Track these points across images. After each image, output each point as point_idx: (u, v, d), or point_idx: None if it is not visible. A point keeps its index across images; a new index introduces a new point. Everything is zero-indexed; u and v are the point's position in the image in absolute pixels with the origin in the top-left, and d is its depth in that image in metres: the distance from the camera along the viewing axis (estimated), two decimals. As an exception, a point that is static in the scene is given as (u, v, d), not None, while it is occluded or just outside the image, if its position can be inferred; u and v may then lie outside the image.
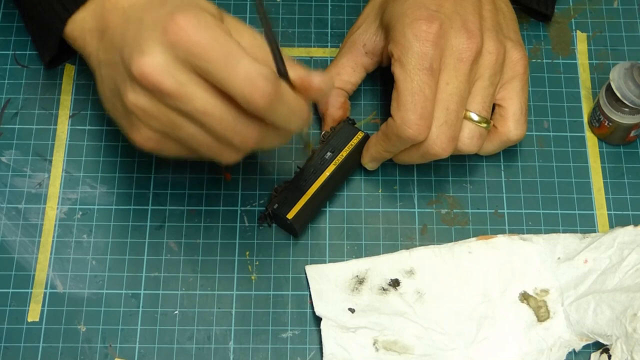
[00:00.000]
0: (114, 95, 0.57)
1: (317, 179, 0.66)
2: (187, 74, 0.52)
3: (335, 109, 0.69)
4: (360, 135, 0.68)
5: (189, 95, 0.52)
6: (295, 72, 0.54)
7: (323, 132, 0.69)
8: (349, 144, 0.68)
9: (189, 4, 0.53)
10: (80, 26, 0.62)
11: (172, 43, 0.51)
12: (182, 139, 0.55)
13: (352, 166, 0.69)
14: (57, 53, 0.68)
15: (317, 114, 0.71)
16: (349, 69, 0.69)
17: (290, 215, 0.65)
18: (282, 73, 0.54)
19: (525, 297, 0.65)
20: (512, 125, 0.66)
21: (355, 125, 0.69)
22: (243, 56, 0.51)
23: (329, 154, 0.67)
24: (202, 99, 0.52)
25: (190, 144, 0.55)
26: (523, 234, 0.67)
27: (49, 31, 0.65)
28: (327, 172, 0.67)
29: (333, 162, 0.67)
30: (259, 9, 0.51)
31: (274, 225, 0.68)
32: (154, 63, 0.52)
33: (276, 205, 0.66)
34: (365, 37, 0.68)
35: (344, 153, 0.67)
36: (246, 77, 0.51)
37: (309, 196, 0.66)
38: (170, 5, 0.53)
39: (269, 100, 0.51)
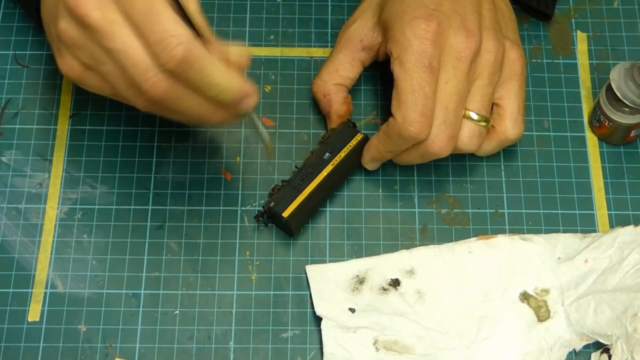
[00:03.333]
0: (50, 20, 0.60)
1: (314, 179, 0.66)
2: (116, 14, 0.55)
3: (339, 104, 0.69)
4: (359, 136, 0.68)
5: (112, 32, 0.55)
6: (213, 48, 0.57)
7: (322, 134, 0.69)
8: (348, 145, 0.68)
9: None
10: None
11: None
12: (103, 73, 0.58)
13: (351, 167, 0.69)
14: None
15: (320, 114, 0.71)
16: (347, 65, 0.69)
17: (285, 214, 0.65)
18: (201, 37, 0.56)
19: (525, 296, 0.65)
20: (510, 124, 0.66)
21: (356, 126, 0.69)
22: (163, 14, 0.54)
23: (327, 154, 0.67)
24: (122, 40, 0.55)
25: (110, 81, 0.58)
26: (523, 233, 0.67)
27: None
28: (324, 172, 0.67)
29: (331, 163, 0.67)
30: None
31: (273, 226, 0.68)
32: None
33: (272, 203, 0.66)
34: (362, 32, 0.68)
35: (342, 154, 0.67)
36: (160, 35, 0.54)
37: (305, 195, 0.66)
38: None
39: (177, 63, 0.54)
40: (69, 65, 0.59)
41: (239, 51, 0.58)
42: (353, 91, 0.71)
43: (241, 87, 0.57)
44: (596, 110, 0.70)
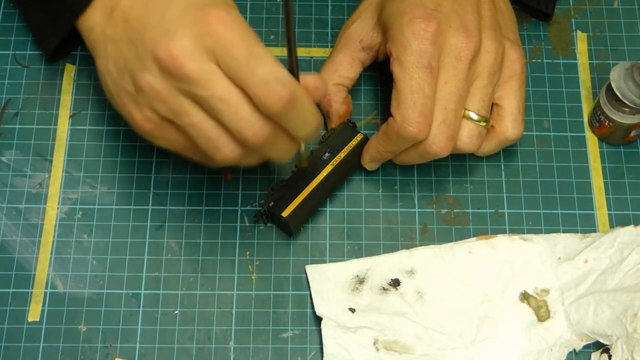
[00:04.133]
0: (121, 72, 0.57)
1: (314, 179, 0.66)
2: (210, 63, 0.53)
3: (338, 104, 0.69)
4: (359, 137, 0.68)
5: (210, 81, 0.53)
6: None
7: (323, 133, 0.69)
8: (348, 145, 0.68)
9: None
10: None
11: (202, 33, 0.53)
12: (185, 126, 0.56)
13: (351, 168, 0.69)
14: (62, 41, 0.67)
15: (321, 113, 0.71)
16: (347, 65, 0.69)
17: (285, 214, 0.65)
18: (295, 75, 0.55)
19: (525, 297, 0.65)
20: (509, 124, 0.66)
21: (356, 126, 0.69)
22: (265, 58, 0.53)
23: (327, 154, 0.67)
24: (222, 87, 0.53)
25: (191, 133, 0.56)
26: (523, 233, 0.67)
27: (62, 6, 0.64)
28: (324, 172, 0.67)
29: (331, 163, 0.67)
30: (285, 5, 0.53)
31: (273, 226, 0.68)
32: (182, 47, 0.53)
33: (272, 203, 0.66)
34: (361, 32, 0.68)
35: (342, 154, 0.67)
36: (264, 79, 0.53)
37: (305, 195, 0.66)
38: None
39: (283, 105, 0.53)
40: (145, 118, 0.57)
41: (316, 82, 0.56)
42: (353, 91, 0.71)
43: (321, 121, 0.57)
44: (596, 110, 0.70)
